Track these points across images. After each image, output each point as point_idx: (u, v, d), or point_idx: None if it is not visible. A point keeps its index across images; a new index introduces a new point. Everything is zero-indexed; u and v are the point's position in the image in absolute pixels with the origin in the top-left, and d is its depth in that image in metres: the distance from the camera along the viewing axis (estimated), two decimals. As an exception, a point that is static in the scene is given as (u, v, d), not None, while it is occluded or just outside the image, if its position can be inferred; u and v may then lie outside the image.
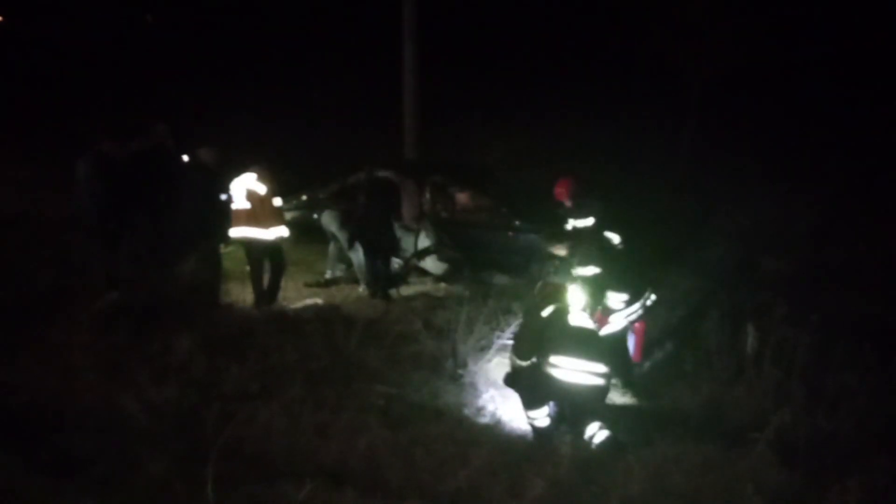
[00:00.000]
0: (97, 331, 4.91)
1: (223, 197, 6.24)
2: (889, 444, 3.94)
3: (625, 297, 4.80)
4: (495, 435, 4.00)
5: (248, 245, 6.31)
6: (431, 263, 7.51)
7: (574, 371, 3.97)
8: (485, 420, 4.36)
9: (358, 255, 7.11)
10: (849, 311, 6.19)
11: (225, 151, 6.22)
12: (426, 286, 7.39)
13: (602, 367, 4.04)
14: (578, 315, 4.20)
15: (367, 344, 5.06)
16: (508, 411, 4.46)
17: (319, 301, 6.67)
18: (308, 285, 7.20)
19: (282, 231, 6.20)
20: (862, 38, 12.40)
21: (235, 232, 6.26)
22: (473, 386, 4.81)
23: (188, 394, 4.20)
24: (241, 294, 6.39)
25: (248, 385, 4.34)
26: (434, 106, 11.27)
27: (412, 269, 7.55)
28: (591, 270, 4.77)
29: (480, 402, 4.59)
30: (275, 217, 6.13)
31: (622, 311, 4.83)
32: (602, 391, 4.09)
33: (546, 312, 4.13)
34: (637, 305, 4.87)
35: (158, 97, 13.27)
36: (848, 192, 9.76)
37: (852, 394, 4.08)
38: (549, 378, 4.00)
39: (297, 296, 6.78)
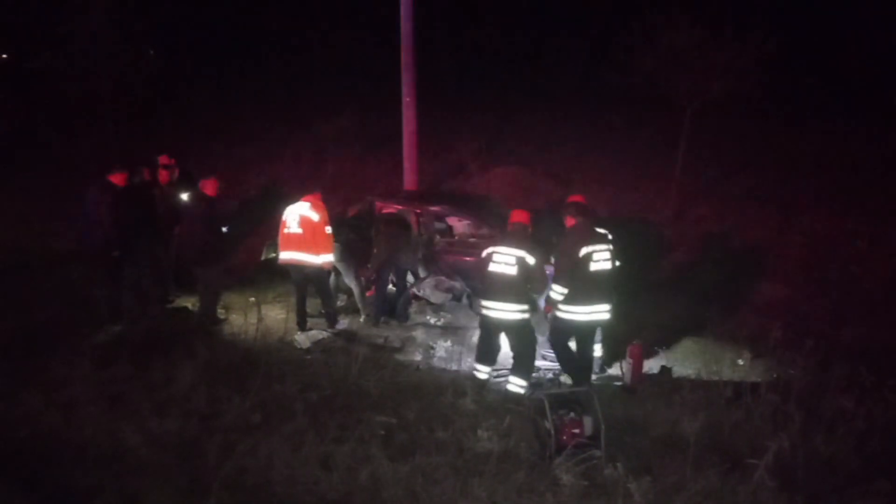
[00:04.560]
0: (98, 362, 4.94)
1: (224, 229, 6.37)
2: (888, 467, 3.95)
3: (563, 290, 5.33)
4: (497, 464, 4.01)
5: (295, 269, 6.61)
6: (431, 293, 7.56)
7: None
8: (486, 448, 4.37)
9: (358, 285, 7.18)
10: (844, 334, 6.25)
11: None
12: (426, 315, 7.44)
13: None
14: None
15: (369, 373, 5.09)
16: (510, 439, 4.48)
17: (322, 331, 6.72)
18: (309, 316, 7.24)
19: (329, 258, 6.53)
20: (849, 61, 12.68)
21: (285, 255, 6.58)
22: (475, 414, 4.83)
23: (190, 425, 4.21)
24: (244, 325, 6.43)
25: (249, 416, 4.35)
26: (432, 136, 11.44)
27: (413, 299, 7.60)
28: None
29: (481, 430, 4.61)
30: (325, 244, 6.48)
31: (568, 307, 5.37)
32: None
33: None
34: (589, 308, 5.35)
35: (162, 130, 13.46)
36: (842, 214, 9.86)
37: (850, 417, 4.09)
38: None
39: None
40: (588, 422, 4.42)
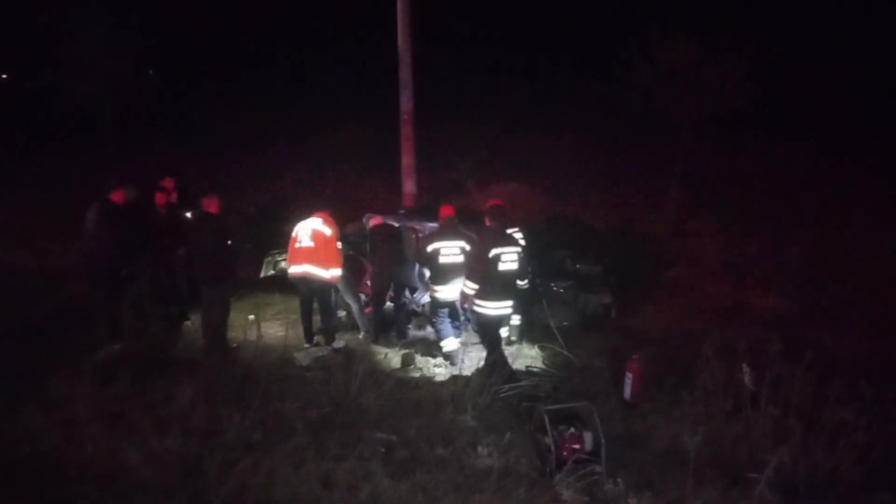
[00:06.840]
0: (99, 380, 4.94)
1: (229, 242, 6.38)
2: (890, 480, 3.95)
3: (475, 286, 5.85)
4: (498, 480, 4.00)
5: (303, 283, 6.71)
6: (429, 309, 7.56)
7: None
8: (487, 465, 4.36)
9: (357, 302, 7.19)
10: (843, 346, 6.25)
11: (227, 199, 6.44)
12: (425, 331, 7.44)
13: None
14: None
15: (368, 390, 5.09)
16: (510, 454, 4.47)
17: (321, 348, 6.71)
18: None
19: (338, 273, 6.64)
20: (845, 72, 12.82)
21: (296, 269, 6.68)
22: (475, 430, 4.83)
23: (190, 443, 4.20)
24: (244, 341, 6.43)
25: (250, 434, 4.35)
26: (430, 152, 11.51)
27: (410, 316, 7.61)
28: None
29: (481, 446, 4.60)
30: (336, 259, 6.62)
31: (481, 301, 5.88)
32: None
33: None
34: (497, 304, 5.84)
35: (162, 148, 13.53)
36: (840, 227, 9.91)
37: (850, 429, 4.09)
38: None
39: (298, 343, 6.82)
40: (588, 437, 4.42)
